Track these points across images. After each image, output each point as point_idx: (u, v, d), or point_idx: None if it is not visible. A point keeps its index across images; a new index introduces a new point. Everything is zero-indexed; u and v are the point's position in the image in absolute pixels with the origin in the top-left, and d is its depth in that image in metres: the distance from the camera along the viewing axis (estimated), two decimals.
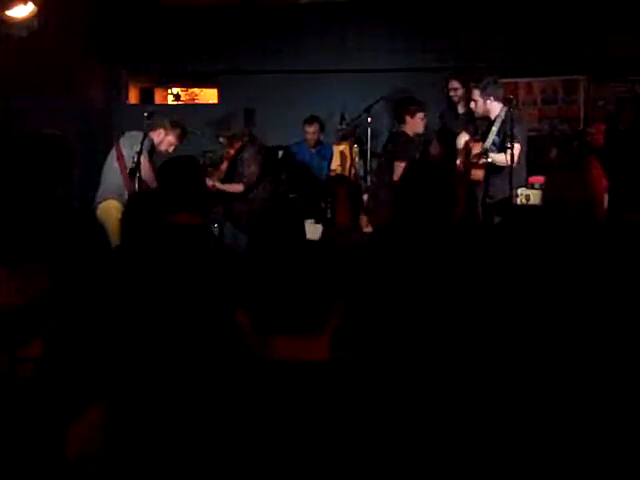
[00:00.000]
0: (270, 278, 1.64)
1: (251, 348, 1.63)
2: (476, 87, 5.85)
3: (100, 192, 5.78)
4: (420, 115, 6.38)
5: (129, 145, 5.67)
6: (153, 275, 2.71)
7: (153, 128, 5.80)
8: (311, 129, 7.09)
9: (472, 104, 5.87)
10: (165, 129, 5.90)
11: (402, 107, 6.46)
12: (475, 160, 5.70)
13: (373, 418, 1.74)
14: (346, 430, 1.57)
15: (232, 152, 6.30)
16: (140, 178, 5.34)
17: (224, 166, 6.36)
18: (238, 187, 6.25)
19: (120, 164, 5.72)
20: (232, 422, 1.54)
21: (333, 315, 1.64)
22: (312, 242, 2.33)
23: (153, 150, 5.81)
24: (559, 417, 2.11)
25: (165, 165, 3.36)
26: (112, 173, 5.76)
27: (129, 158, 5.53)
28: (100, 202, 5.69)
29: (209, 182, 5.75)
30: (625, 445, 2.05)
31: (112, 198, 5.58)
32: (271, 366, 1.58)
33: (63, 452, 1.48)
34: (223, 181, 6.31)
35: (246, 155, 6.26)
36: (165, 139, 5.91)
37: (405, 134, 6.33)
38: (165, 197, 3.21)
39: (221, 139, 6.36)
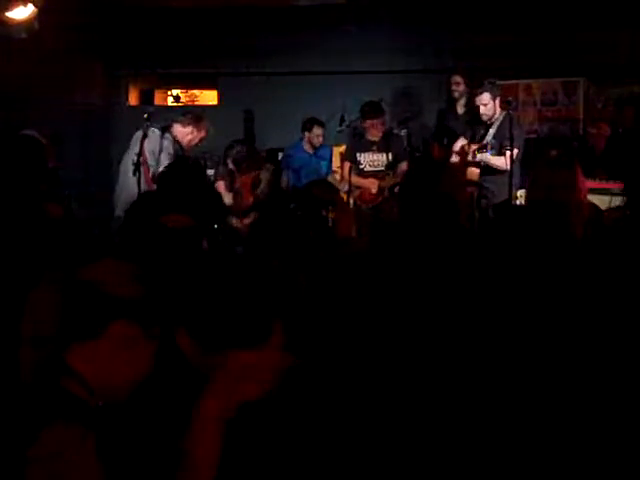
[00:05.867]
0: (214, 298, 1.65)
1: (193, 364, 1.65)
2: (483, 91, 5.87)
3: (124, 201, 5.37)
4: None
5: (152, 149, 5.47)
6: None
7: (184, 125, 5.65)
8: (320, 131, 7.07)
9: (482, 109, 5.86)
10: (196, 126, 5.74)
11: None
12: (472, 156, 5.72)
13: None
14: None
15: (249, 182, 5.84)
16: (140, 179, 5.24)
17: (248, 201, 5.80)
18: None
19: (144, 170, 5.43)
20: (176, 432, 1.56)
21: (274, 335, 1.67)
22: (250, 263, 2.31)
23: (181, 149, 5.61)
24: (553, 417, 2.12)
25: (167, 168, 3.37)
26: (134, 180, 5.43)
27: (152, 163, 5.40)
28: None
29: (232, 221, 5.47)
30: (619, 444, 2.05)
31: None
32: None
33: None
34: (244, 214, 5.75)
35: (263, 185, 5.93)
36: (198, 136, 5.76)
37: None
38: (161, 198, 3.21)
39: (230, 165, 5.81)
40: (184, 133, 5.69)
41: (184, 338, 1.66)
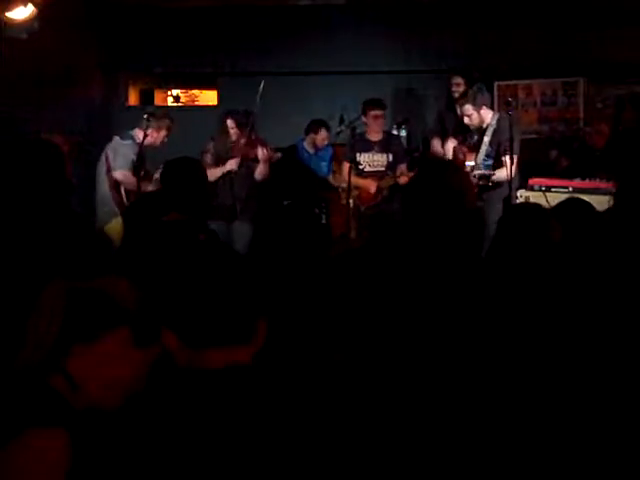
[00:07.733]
0: (200, 297, 1.67)
1: (179, 362, 1.66)
2: (465, 103, 5.67)
3: (104, 209, 5.69)
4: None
5: (118, 155, 5.67)
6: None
7: (145, 130, 5.66)
8: (326, 134, 7.11)
9: (466, 119, 5.67)
10: (156, 128, 5.83)
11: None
12: (464, 157, 5.66)
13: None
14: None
15: (244, 148, 6.07)
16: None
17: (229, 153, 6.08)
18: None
19: (109, 177, 5.73)
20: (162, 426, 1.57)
21: (258, 332, 1.68)
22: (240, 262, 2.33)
23: (141, 159, 5.67)
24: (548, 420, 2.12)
25: (167, 167, 3.38)
26: (106, 187, 5.75)
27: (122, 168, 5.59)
28: (109, 220, 5.56)
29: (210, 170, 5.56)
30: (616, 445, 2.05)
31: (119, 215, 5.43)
32: (201, 375, 1.62)
33: None
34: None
35: (261, 167, 6.04)
36: (159, 136, 5.86)
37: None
38: (162, 199, 3.22)
39: (231, 124, 6.15)
40: (148, 136, 5.71)
41: (169, 337, 1.66)
